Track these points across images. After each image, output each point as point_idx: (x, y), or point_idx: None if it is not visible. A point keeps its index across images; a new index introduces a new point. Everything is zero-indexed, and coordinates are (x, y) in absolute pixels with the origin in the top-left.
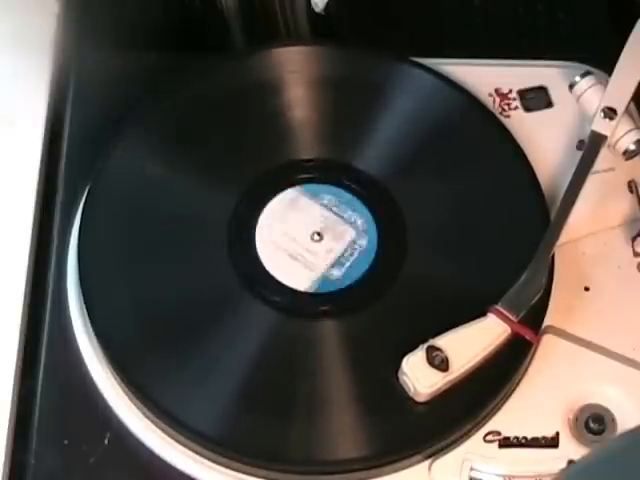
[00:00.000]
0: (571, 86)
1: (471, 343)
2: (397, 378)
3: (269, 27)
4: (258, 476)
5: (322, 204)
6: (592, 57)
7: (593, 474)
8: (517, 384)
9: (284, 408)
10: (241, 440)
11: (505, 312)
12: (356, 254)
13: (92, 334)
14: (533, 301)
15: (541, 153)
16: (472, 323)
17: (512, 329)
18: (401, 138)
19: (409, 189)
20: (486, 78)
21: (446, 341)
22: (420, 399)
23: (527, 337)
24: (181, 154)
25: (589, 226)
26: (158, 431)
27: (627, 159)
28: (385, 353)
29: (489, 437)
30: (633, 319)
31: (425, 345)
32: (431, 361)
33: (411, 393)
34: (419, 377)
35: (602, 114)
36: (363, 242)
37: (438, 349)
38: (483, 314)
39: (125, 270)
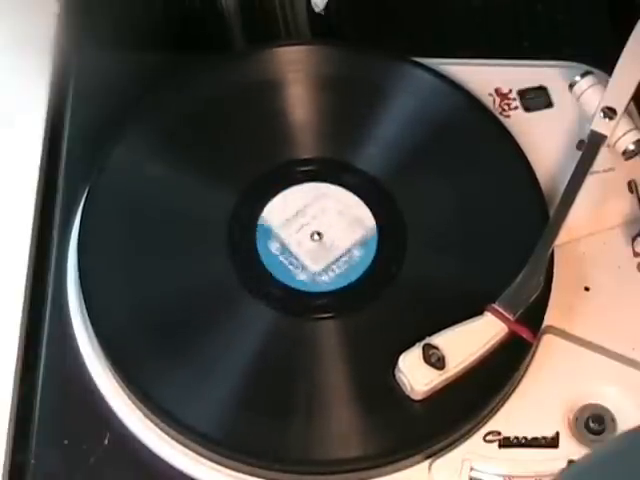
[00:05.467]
0: (571, 86)
1: (468, 341)
2: (394, 376)
3: (269, 27)
4: (258, 476)
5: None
6: (592, 57)
7: (593, 474)
8: (517, 384)
9: (284, 408)
10: (241, 440)
11: (502, 311)
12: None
13: (92, 334)
14: (530, 300)
15: (541, 153)
16: (469, 321)
17: (509, 328)
18: (401, 138)
19: (409, 189)
20: (486, 78)
21: (443, 339)
22: (416, 397)
23: (524, 336)
24: (181, 154)
25: (589, 226)
26: (158, 431)
27: (627, 159)
28: (384, 352)
29: (489, 437)
30: (633, 319)
31: (422, 343)
32: (427, 359)
33: (407, 391)
34: (415, 375)
35: (602, 114)
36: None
37: (435, 347)
38: (480, 313)
39: (125, 270)
